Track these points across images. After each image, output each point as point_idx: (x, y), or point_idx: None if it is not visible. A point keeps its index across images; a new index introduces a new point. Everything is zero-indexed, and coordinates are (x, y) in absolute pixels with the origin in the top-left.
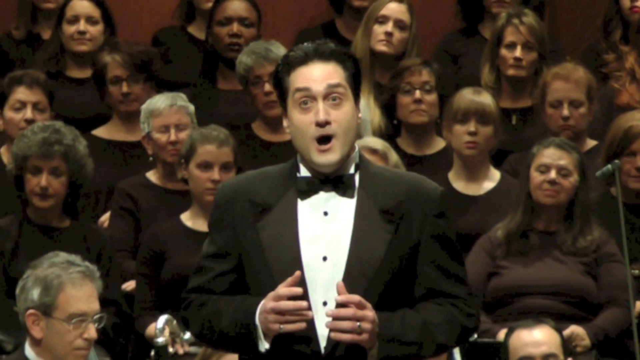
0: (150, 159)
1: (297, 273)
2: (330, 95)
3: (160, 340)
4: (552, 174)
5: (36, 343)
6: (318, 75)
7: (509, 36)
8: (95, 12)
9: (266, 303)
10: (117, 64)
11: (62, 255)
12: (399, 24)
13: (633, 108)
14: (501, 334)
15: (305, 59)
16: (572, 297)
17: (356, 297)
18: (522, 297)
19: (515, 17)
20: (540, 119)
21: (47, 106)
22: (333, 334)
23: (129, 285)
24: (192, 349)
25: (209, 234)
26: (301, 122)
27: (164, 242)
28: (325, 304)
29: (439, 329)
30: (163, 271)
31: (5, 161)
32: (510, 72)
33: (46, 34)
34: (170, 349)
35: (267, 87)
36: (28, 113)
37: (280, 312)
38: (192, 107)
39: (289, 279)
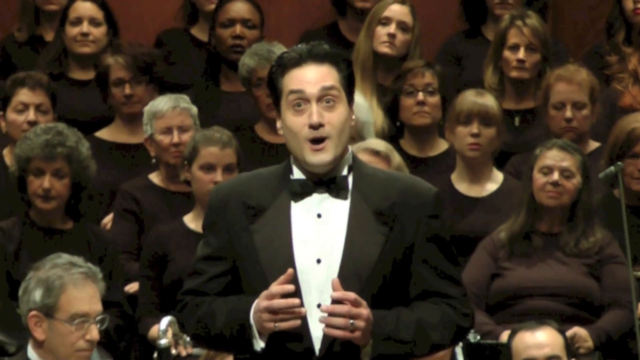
0: (153, 160)
1: (290, 271)
2: (324, 97)
3: (163, 341)
4: (555, 176)
5: (39, 345)
6: (312, 77)
7: (512, 38)
8: (98, 14)
9: (259, 302)
10: (120, 65)
11: (65, 257)
12: (401, 26)
13: (636, 110)
14: (504, 336)
15: (299, 61)
16: (575, 298)
17: (352, 295)
18: (525, 299)
19: (518, 19)
20: (543, 120)
21: (50, 108)
22: (325, 329)
23: (132, 287)
24: (195, 351)
25: (203, 236)
26: (294, 123)
27: (166, 244)
28: (319, 306)
29: (433, 328)
30: (166, 273)
31: (8, 163)
32: (513, 73)
33: (49, 36)
34: (173, 351)
35: None
36: (31, 115)
37: (273, 311)
38: (194, 109)
39: (282, 277)
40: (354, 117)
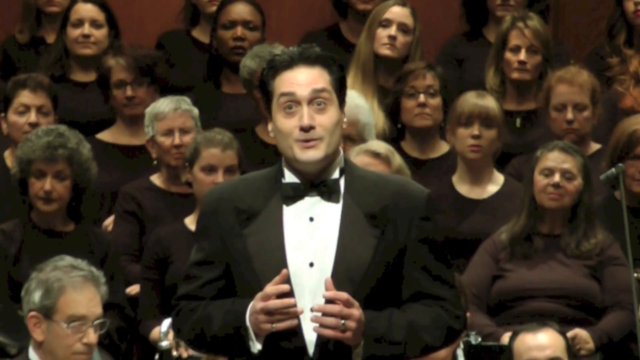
0: (155, 162)
1: (284, 271)
2: (315, 99)
3: (165, 343)
4: (556, 178)
5: (38, 345)
6: (303, 79)
7: (514, 39)
8: (99, 15)
9: (255, 304)
10: (122, 67)
11: (67, 259)
12: (402, 28)
13: (637, 111)
14: (505, 337)
15: (290, 64)
16: (576, 300)
17: (344, 295)
18: (526, 300)
19: (519, 21)
20: (544, 121)
21: (51, 110)
22: (315, 329)
23: (133, 289)
24: (196, 353)
25: (196, 241)
26: (285, 126)
27: (168, 246)
28: (312, 310)
29: (425, 329)
30: (167, 275)
31: (9, 165)
32: (515, 75)
33: (50, 38)
34: (175, 353)
35: None
36: (32, 117)
37: (269, 312)
38: (196, 111)
39: (276, 278)
40: (345, 119)
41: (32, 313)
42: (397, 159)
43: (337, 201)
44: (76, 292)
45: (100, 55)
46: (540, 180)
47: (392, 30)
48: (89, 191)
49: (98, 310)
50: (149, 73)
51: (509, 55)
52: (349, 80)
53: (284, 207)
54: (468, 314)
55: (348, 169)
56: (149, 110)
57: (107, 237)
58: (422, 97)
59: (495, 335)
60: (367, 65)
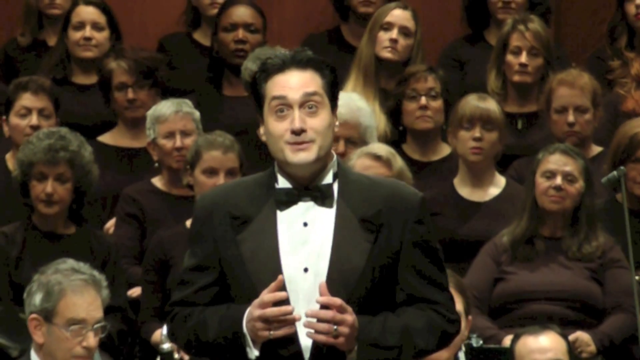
0: (156, 165)
1: (280, 278)
2: (306, 103)
3: (166, 346)
4: (558, 180)
5: (39, 348)
6: (294, 83)
7: (515, 42)
8: (101, 18)
9: (252, 311)
10: (123, 70)
11: (69, 263)
12: (403, 31)
13: (638, 114)
14: (507, 340)
15: (282, 67)
16: (578, 302)
17: (337, 301)
18: (528, 303)
19: (520, 23)
20: (545, 123)
21: (53, 112)
22: (308, 333)
23: (135, 291)
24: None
25: (189, 246)
26: (276, 129)
27: (169, 248)
28: (306, 315)
29: (419, 333)
30: (169, 278)
31: (11, 168)
32: (516, 78)
33: (52, 41)
34: (176, 355)
35: None
36: (34, 119)
37: (267, 319)
38: (197, 113)
39: (272, 284)
40: (337, 123)
41: (33, 316)
42: (399, 162)
43: (330, 206)
44: (76, 295)
45: (102, 58)
46: (541, 182)
47: (394, 34)
48: (90, 194)
49: (98, 313)
50: (150, 76)
51: (510, 57)
52: (351, 83)
53: (278, 212)
54: (470, 317)
55: (341, 173)
56: (150, 112)
57: (109, 240)
58: (423, 100)
59: (496, 338)
60: (369, 68)
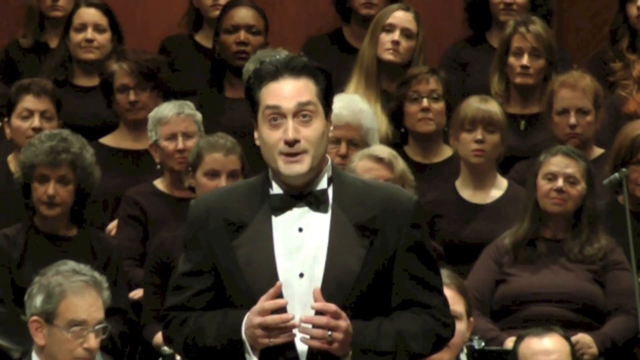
0: (158, 167)
1: (278, 284)
2: (300, 112)
3: (167, 348)
4: (560, 182)
5: (40, 350)
6: (288, 92)
7: (516, 44)
8: (102, 20)
9: (252, 318)
10: (125, 72)
11: (70, 264)
12: (405, 33)
13: None
14: (508, 342)
15: (275, 74)
16: (580, 304)
17: (332, 307)
18: (530, 305)
19: (522, 25)
20: (548, 125)
21: (55, 114)
22: (302, 339)
23: (137, 293)
24: None
25: (184, 251)
26: (270, 137)
27: (171, 250)
28: (301, 321)
29: (413, 338)
30: (170, 280)
31: (13, 170)
32: (518, 79)
33: (53, 43)
34: (178, 357)
35: None
36: (35, 121)
37: (267, 327)
38: (199, 115)
39: (271, 291)
40: (331, 128)
41: (34, 317)
42: (400, 164)
43: (325, 211)
44: (77, 297)
45: (103, 60)
46: (543, 185)
47: (396, 35)
48: (92, 196)
49: (99, 315)
50: (152, 78)
51: (512, 59)
52: (352, 85)
53: (273, 217)
54: (472, 319)
55: (336, 178)
56: (152, 114)
57: (111, 242)
58: (425, 102)
59: (498, 340)
60: (370, 70)
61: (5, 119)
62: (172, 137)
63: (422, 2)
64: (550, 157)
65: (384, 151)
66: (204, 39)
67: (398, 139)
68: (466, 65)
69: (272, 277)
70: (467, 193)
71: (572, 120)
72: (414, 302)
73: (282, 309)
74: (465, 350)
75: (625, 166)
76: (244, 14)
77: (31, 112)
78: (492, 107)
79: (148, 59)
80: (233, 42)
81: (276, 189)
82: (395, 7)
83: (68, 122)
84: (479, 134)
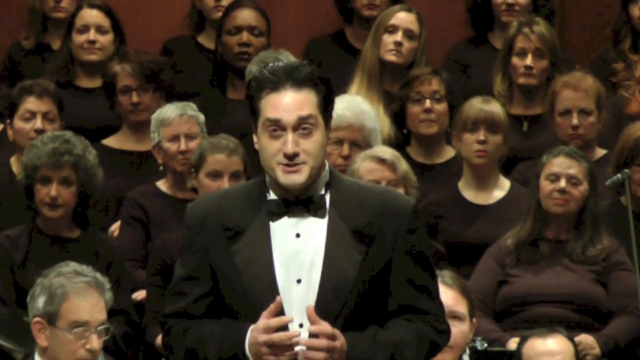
0: (161, 168)
1: (278, 299)
2: (300, 125)
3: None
4: (562, 183)
5: (43, 351)
6: (289, 105)
7: (520, 44)
8: (105, 21)
9: (257, 335)
10: (127, 73)
11: (72, 265)
12: (408, 34)
13: None
14: (511, 343)
15: (276, 85)
16: (582, 305)
17: (328, 330)
18: (532, 306)
19: (526, 26)
20: (551, 126)
21: (57, 116)
22: None
23: (139, 294)
24: None
25: (181, 256)
26: (269, 147)
27: (173, 252)
28: (301, 325)
29: (409, 347)
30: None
31: (15, 171)
32: (521, 80)
33: (56, 44)
34: None
35: None
36: (38, 123)
37: (273, 344)
38: (202, 117)
39: (272, 307)
40: (330, 135)
41: (36, 319)
42: (403, 165)
43: (323, 216)
44: (79, 298)
45: (106, 61)
46: (546, 185)
47: (398, 36)
48: (94, 197)
49: (102, 316)
50: (155, 79)
51: (515, 60)
52: (355, 86)
53: (270, 223)
54: (474, 320)
55: (333, 183)
56: (155, 116)
57: (113, 243)
58: (427, 103)
59: (501, 341)
60: (373, 71)
61: (8, 121)
62: (175, 138)
63: (425, 3)
64: (553, 158)
65: (387, 152)
66: (206, 40)
67: (400, 139)
68: (468, 66)
69: (270, 283)
70: (469, 194)
71: (575, 121)
72: (410, 308)
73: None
74: (467, 351)
75: (628, 167)
76: (246, 15)
77: (33, 113)
78: (495, 107)
79: (150, 60)
80: (235, 44)
81: (273, 194)
82: (398, 8)
83: (70, 124)
84: (481, 135)
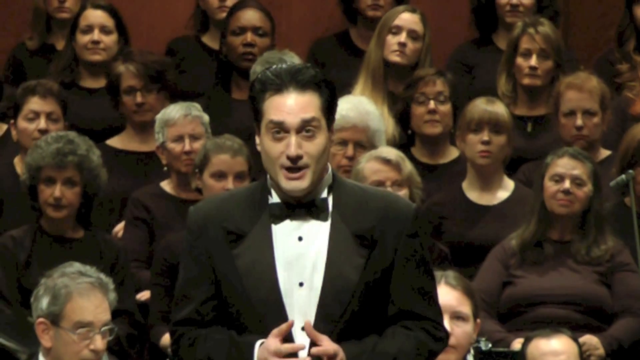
0: (165, 168)
1: (291, 321)
2: (304, 128)
3: None
4: (566, 184)
5: (47, 352)
6: (292, 107)
7: (525, 45)
8: (109, 21)
9: (267, 357)
10: (131, 74)
11: (76, 266)
12: (412, 35)
13: None
14: (515, 343)
15: (280, 87)
16: (586, 306)
17: (330, 350)
18: (536, 307)
19: (530, 26)
20: (554, 127)
21: (61, 116)
22: None
23: (144, 295)
24: None
25: (184, 260)
26: (272, 149)
27: (178, 252)
28: (303, 329)
29: (407, 357)
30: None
31: (19, 171)
32: (526, 80)
33: (60, 45)
34: None
35: None
36: (42, 123)
37: None
38: (206, 117)
39: (283, 327)
40: (333, 137)
41: (40, 319)
42: (408, 165)
43: (325, 219)
44: (83, 298)
45: (110, 62)
46: (550, 186)
47: (402, 37)
48: (98, 198)
49: (105, 316)
50: (159, 79)
51: (520, 60)
52: (359, 87)
53: (272, 226)
54: (478, 320)
55: (336, 186)
56: (159, 116)
57: (117, 244)
58: (432, 104)
59: (505, 341)
60: (377, 72)
61: (12, 121)
62: (179, 138)
63: (429, 4)
64: (557, 158)
65: (392, 153)
66: (210, 41)
67: (405, 140)
68: (473, 67)
69: (272, 286)
70: (473, 194)
71: (579, 121)
72: (409, 313)
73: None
74: (472, 351)
75: (632, 168)
76: (250, 16)
77: (37, 113)
78: (499, 108)
79: (155, 61)
80: (240, 44)
81: (276, 197)
82: (402, 9)
83: (74, 124)
84: (485, 135)
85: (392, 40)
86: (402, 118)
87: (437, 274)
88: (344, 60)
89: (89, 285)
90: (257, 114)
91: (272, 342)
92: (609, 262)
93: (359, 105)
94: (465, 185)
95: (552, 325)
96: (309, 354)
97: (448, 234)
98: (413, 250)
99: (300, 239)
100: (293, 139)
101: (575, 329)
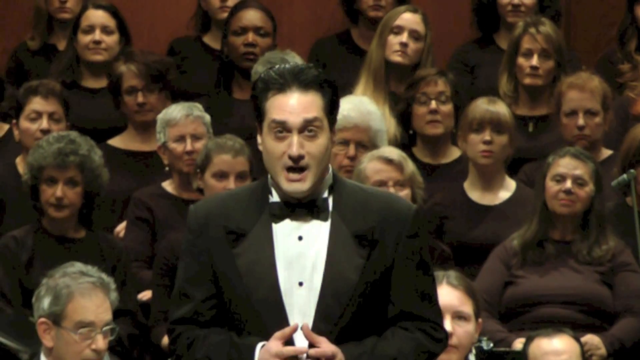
0: (166, 168)
1: (295, 324)
2: (306, 128)
3: None
4: (568, 184)
5: (49, 352)
6: (295, 106)
7: (526, 44)
8: (110, 22)
9: (268, 359)
10: (133, 74)
11: (77, 266)
12: (413, 35)
13: None
14: (517, 343)
15: (283, 87)
16: (588, 306)
17: (327, 352)
18: (538, 306)
19: (532, 26)
20: (556, 127)
21: (63, 116)
22: None
23: (145, 295)
24: None
25: (184, 259)
26: (274, 149)
27: (179, 252)
28: (302, 329)
29: (406, 358)
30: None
31: (21, 171)
32: (527, 80)
33: (61, 45)
34: None
35: None
36: (44, 123)
37: None
38: (208, 117)
39: (287, 331)
40: (335, 138)
41: (42, 319)
42: (410, 165)
43: (325, 219)
44: (84, 298)
45: (111, 62)
46: (551, 186)
47: (404, 37)
48: (100, 198)
49: (107, 316)
50: (160, 79)
51: (521, 60)
52: (361, 87)
53: (273, 225)
54: (480, 320)
55: (336, 186)
56: (160, 116)
57: (119, 244)
58: (433, 104)
59: (507, 341)
60: (379, 72)
61: (14, 121)
62: (181, 138)
63: (430, 4)
64: (559, 158)
65: (394, 153)
66: (212, 41)
67: (406, 140)
68: (474, 67)
69: (272, 285)
70: (475, 194)
71: (581, 121)
72: (409, 314)
73: (277, 319)
74: (473, 351)
75: (634, 167)
76: (252, 16)
77: (39, 113)
78: (500, 108)
79: (156, 61)
80: (241, 44)
81: (276, 196)
82: (403, 9)
83: (76, 124)
84: (487, 135)
85: (394, 41)
86: (404, 118)
87: (439, 273)
88: (345, 60)
89: (90, 285)
90: (260, 113)
91: (274, 344)
92: (610, 262)
93: (360, 105)
94: (466, 185)
95: (553, 325)
96: (307, 356)
97: (450, 233)
98: (413, 251)
99: (300, 238)
100: (295, 138)
101: (576, 329)
